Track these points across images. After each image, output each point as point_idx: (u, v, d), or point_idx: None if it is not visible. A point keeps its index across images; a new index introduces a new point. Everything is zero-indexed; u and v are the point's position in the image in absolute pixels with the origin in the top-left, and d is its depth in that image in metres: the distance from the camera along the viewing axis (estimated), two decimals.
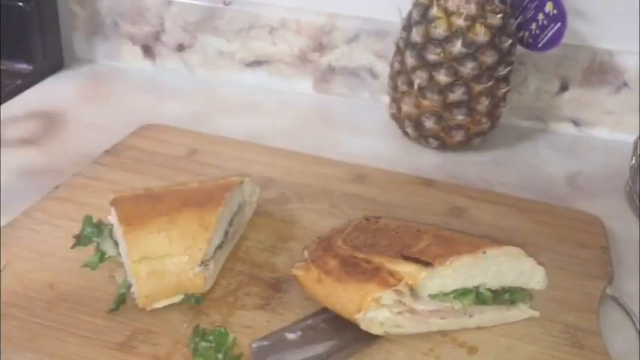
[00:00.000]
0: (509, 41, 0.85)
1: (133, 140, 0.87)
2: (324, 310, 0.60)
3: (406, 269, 0.57)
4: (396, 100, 0.91)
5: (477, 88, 0.85)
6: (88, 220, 0.64)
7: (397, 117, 0.92)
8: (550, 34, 0.86)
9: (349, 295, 0.57)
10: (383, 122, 0.97)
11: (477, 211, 0.77)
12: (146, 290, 0.60)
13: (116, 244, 0.64)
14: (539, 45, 0.88)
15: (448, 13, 0.84)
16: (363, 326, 0.57)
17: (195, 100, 1.03)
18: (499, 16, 0.84)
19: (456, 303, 0.59)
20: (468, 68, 0.84)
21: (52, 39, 1.07)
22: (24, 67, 1.05)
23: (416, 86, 0.86)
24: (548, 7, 0.85)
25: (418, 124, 0.89)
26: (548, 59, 0.95)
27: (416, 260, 0.57)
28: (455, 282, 0.58)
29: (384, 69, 0.99)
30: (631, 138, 0.88)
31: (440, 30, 0.84)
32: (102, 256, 0.64)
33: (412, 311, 0.58)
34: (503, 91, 0.88)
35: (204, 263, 0.61)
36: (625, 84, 0.96)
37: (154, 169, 0.81)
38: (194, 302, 0.61)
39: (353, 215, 0.70)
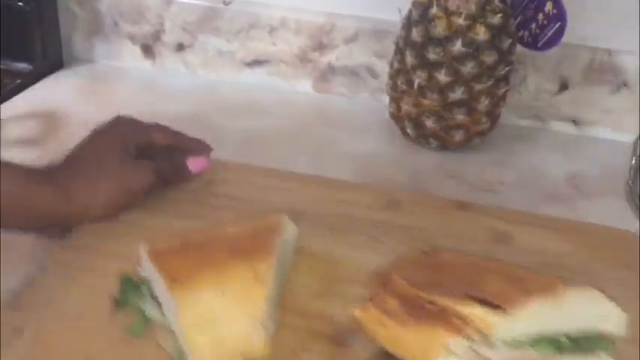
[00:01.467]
0: (509, 41, 0.85)
1: None
2: (388, 355, 0.55)
3: (475, 312, 0.52)
4: (395, 100, 0.91)
5: (477, 87, 0.85)
6: (126, 279, 0.58)
7: (397, 116, 0.92)
8: (550, 33, 0.86)
9: (415, 340, 0.53)
10: (383, 122, 0.97)
11: (522, 236, 0.72)
12: (203, 359, 0.52)
13: (158, 304, 0.57)
14: (539, 44, 0.88)
15: (448, 13, 0.84)
16: None
17: (195, 100, 1.03)
18: (499, 15, 0.84)
19: (532, 351, 0.53)
20: (467, 68, 0.84)
21: (51, 39, 1.07)
22: (24, 66, 1.06)
23: (416, 86, 0.86)
24: (548, 7, 0.85)
25: (418, 124, 0.89)
26: (547, 59, 0.96)
27: (485, 302, 0.52)
28: (529, 327, 0.53)
29: (383, 68, 0.99)
30: (631, 138, 0.88)
31: (440, 29, 0.84)
32: (145, 320, 0.56)
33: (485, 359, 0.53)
34: (503, 90, 0.88)
35: (263, 323, 0.54)
36: (625, 83, 0.96)
37: (171, 204, 0.74)
38: None
39: (395, 247, 0.67)
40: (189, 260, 0.55)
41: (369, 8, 1.00)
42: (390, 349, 0.55)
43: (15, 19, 1.02)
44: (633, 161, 0.84)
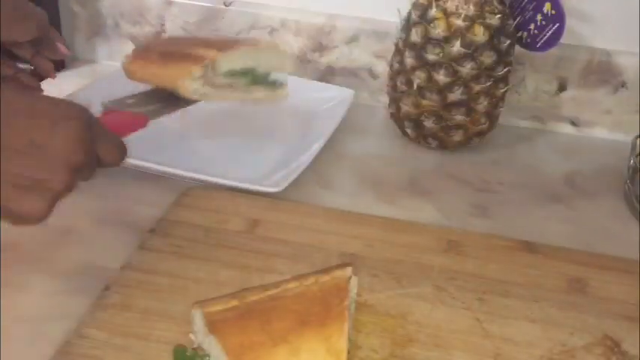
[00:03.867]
0: (508, 41, 0.86)
1: (180, 213, 0.74)
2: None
3: (208, 53, 0.76)
4: (395, 100, 0.92)
5: (476, 88, 0.86)
6: (180, 352, 0.53)
7: (396, 117, 0.93)
8: (548, 34, 0.87)
9: (172, 73, 0.76)
10: (382, 122, 0.98)
11: (599, 282, 0.68)
12: None
13: None
14: (538, 45, 0.88)
15: (447, 14, 0.84)
16: (182, 92, 0.74)
17: None
18: (498, 16, 0.84)
19: (240, 78, 0.79)
20: (466, 68, 0.84)
21: None
22: (25, 67, 1.06)
23: (415, 86, 0.87)
24: (547, 8, 0.85)
25: (417, 124, 0.90)
26: (546, 59, 0.96)
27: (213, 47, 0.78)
28: (237, 64, 0.78)
29: (383, 69, 0.99)
30: (629, 138, 0.89)
31: (439, 30, 0.84)
32: None
33: (213, 84, 0.77)
34: (502, 91, 0.89)
35: None
36: (623, 84, 0.96)
37: (214, 251, 0.68)
38: None
39: (463, 298, 0.64)
40: (254, 332, 0.50)
41: (368, 9, 1.00)
42: (156, 82, 0.76)
43: None
44: (632, 161, 0.84)
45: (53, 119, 0.53)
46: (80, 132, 0.53)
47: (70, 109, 0.54)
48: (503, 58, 0.86)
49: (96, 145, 0.55)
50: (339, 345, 0.50)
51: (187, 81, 0.78)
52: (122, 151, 0.59)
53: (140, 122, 0.70)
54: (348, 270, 0.57)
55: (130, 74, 0.81)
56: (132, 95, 0.75)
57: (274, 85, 0.86)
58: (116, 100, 0.71)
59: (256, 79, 0.84)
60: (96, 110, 0.62)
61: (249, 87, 0.84)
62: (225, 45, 0.82)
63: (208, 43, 0.83)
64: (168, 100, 0.75)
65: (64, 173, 0.52)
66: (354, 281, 0.57)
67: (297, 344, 0.50)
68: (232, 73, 0.81)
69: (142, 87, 0.77)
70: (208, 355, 0.52)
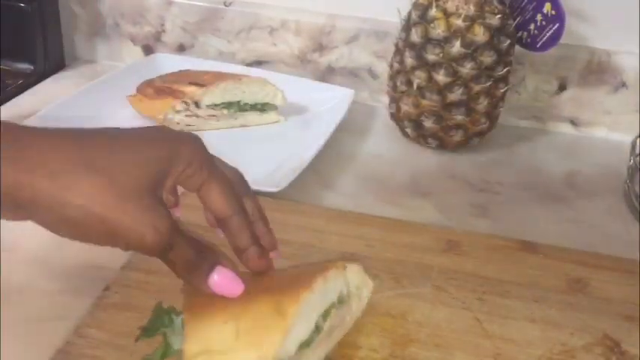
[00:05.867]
0: (508, 42, 0.86)
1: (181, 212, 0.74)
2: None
3: (189, 89, 0.89)
4: (395, 100, 0.92)
5: (476, 88, 0.86)
6: (159, 309, 0.53)
7: (396, 117, 0.93)
8: (548, 34, 0.87)
9: (159, 106, 0.89)
10: (382, 122, 0.98)
11: (599, 282, 0.67)
12: None
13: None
14: (538, 45, 0.88)
15: (447, 14, 0.84)
16: (166, 124, 0.85)
17: None
18: (498, 16, 0.84)
19: (224, 110, 0.91)
20: (466, 68, 0.84)
21: (53, 39, 1.08)
22: (25, 67, 1.06)
23: (415, 86, 0.87)
24: (547, 8, 0.85)
25: (417, 124, 0.90)
26: (546, 59, 0.96)
27: (196, 84, 0.91)
28: (221, 97, 0.91)
29: (383, 69, 0.99)
30: (629, 138, 0.89)
31: (439, 30, 0.84)
32: (167, 350, 0.51)
33: (197, 116, 0.90)
34: (502, 91, 0.89)
35: None
36: (623, 84, 0.96)
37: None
38: None
39: (462, 298, 0.64)
40: (216, 295, 0.49)
41: (368, 9, 1.00)
42: (147, 114, 0.90)
43: (16, 20, 1.03)
44: (631, 161, 0.84)
45: None
46: None
47: None
48: (503, 58, 0.86)
49: None
50: (290, 305, 0.48)
51: (169, 114, 0.89)
52: None
53: None
54: (351, 264, 0.56)
55: (132, 105, 0.91)
56: None
57: (263, 110, 0.93)
58: None
59: (242, 107, 0.92)
60: None
61: (236, 114, 0.92)
62: (212, 80, 0.91)
63: (197, 79, 0.92)
64: None
65: None
66: (356, 275, 0.57)
67: (249, 304, 0.48)
68: (215, 106, 0.91)
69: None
70: (182, 314, 0.51)
